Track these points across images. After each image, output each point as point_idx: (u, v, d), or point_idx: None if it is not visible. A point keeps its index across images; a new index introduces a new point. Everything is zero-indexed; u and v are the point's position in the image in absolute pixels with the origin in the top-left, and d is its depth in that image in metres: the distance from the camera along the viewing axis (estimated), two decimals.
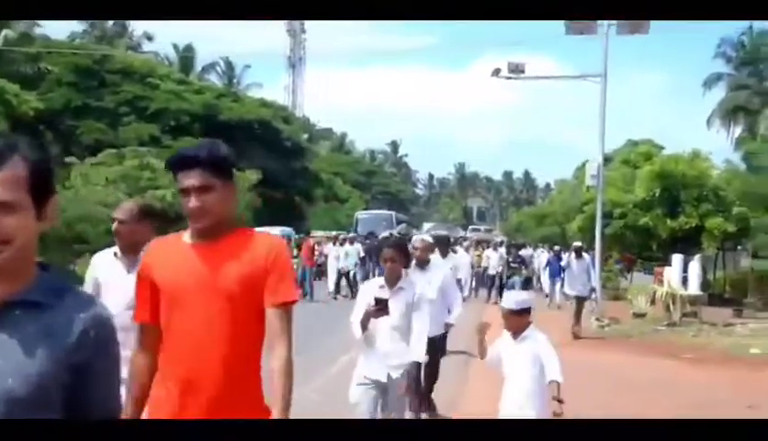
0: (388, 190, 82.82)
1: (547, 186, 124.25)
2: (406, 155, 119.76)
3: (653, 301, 19.24)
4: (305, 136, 64.80)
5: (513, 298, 5.61)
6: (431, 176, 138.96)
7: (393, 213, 47.93)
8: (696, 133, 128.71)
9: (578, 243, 16.72)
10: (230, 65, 63.10)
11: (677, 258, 19.11)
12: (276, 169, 45.72)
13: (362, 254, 24.58)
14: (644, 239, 26.57)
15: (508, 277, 21.88)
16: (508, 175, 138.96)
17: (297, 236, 29.67)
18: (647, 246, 27.43)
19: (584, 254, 15.94)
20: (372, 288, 5.92)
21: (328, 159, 75.27)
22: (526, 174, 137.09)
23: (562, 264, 17.95)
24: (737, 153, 36.89)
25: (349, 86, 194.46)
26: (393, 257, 5.87)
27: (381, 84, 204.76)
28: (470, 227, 74.48)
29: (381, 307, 5.45)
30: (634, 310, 19.44)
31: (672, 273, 18.78)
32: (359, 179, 75.97)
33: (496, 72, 19.04)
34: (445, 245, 11.94)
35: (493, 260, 23.44)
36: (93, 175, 30.42)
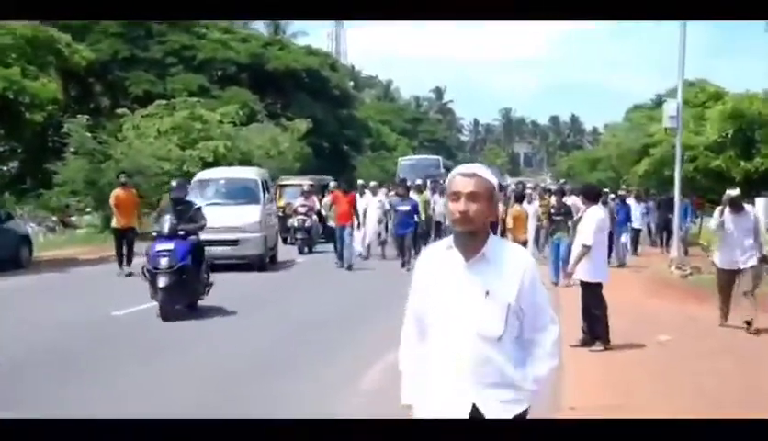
0: (434, 138, 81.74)
1: (595, 129, 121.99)
2: (451, 101, 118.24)
3: None
4: (350, 84, 63.93)
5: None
6: (476, 122, 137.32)
7: (440, 158, 45.50)
8: (752, 71, 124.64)
9: (734, 192, 11.61)
10: None
11: (762, 202, 18.07)
12: (323, 118, 45.04)
13: (387, 207, 21.20)
14: (716, 182, 25.42)
15: (551, 233, 17.12)
16: (554, 119, 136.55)
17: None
18: (718, 190, 26.30)
19: (747, 207, 11.34)
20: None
21: (375, 107, 74.41)
22: (573, 118, 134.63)
23: (711, 224, 12.09)
24: None
25: (392, 32, 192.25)
26: None
27: (424, 29, 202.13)
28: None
29: None
30: (713, 258, 18.44)
31: None
32: (406, 127, 75.01)
33: None
34: (593, 195, 10.31)
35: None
36: (144, 127, 30.05)
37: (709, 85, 33.10)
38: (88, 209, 28.02)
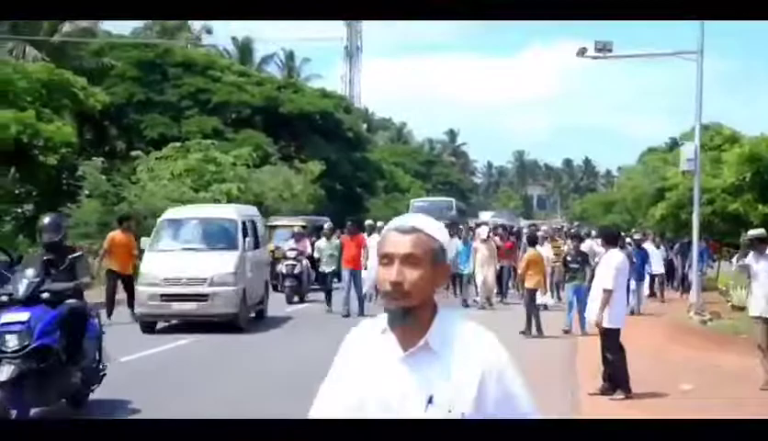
0: (448, 180, 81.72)
1: (608, 172, 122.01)
2: (465, 144, 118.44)
3: None
4: (364, 126, 64.20)
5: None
6: (489, 165, 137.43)
7: (453, 200, 45.40)
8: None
9: (757, 231, 10.87)
10: (289, 56, 62.67)
11: None
12: (337, 160, 45.13)
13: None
14: (733, 226, 25.18)
15: (567, 281, 16.34)
16: (568, 162, 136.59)
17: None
18: (736, 233, 26.06)
19: None
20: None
21: (388, 149, 74.67)
22: (587, 160, 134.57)
23: (738, 265, 11.30)
24: None
25: (405, 75, 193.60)
26: None
27: (438, 72, 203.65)
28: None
29: None
30: (733, 303, 18.16)
31: None
32: (419, 169, 75.09)
33: (582, 51, 17.93)
34: (611, 238, 10.25)
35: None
36: (158, 170, 30.10)
37: (725, 129, 32.98)
38: (101, 252, 27.99)
